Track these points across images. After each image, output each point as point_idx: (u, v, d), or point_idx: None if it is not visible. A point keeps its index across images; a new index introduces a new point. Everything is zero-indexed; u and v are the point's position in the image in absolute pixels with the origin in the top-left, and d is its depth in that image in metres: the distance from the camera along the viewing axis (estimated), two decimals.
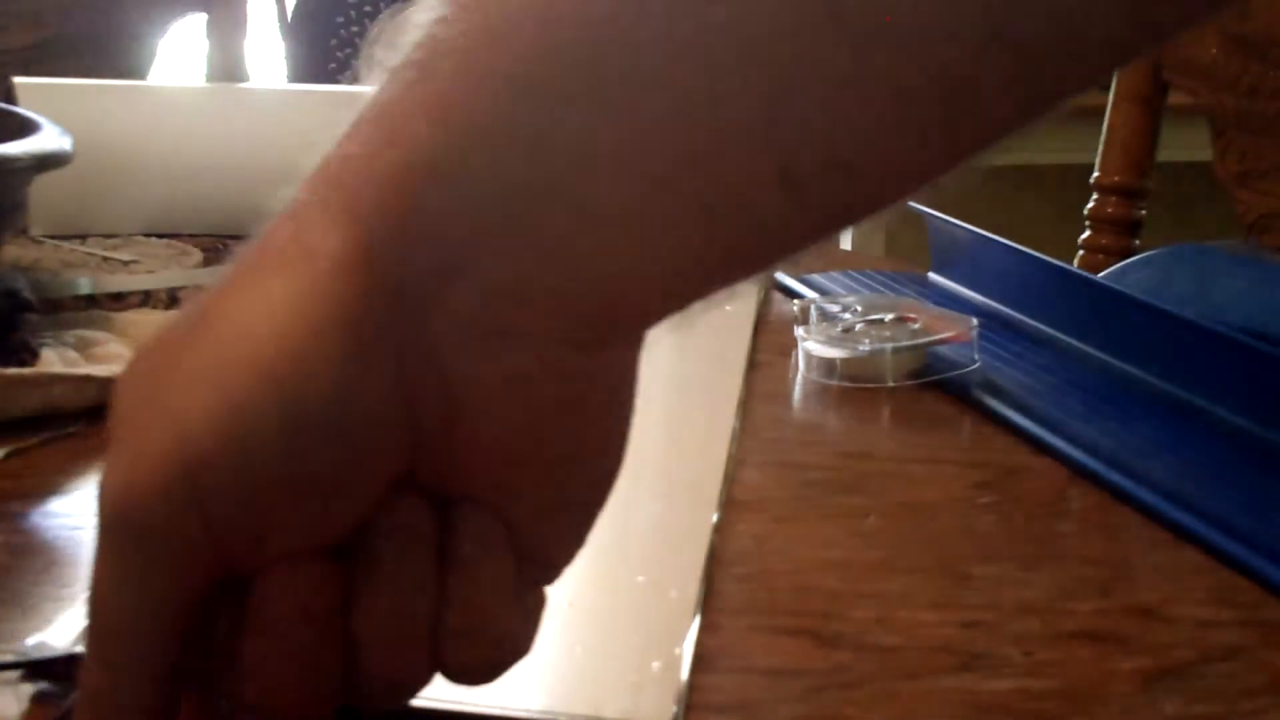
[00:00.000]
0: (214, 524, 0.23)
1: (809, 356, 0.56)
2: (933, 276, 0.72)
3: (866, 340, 0.55)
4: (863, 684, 0.31)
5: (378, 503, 0.24)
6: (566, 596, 0.34)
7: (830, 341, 0.55)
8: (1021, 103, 0.24)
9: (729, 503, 0.41)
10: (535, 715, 0.28)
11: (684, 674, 0.30)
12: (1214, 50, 0.84)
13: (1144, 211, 0.94)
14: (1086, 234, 0.96)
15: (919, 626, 0.34)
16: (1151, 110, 0.91)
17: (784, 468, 0.45)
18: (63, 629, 0.30)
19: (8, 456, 0.44)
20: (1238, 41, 0.83)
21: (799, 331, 0.57)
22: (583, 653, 0.31)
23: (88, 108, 0.77)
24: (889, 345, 0.54)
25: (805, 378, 0.56)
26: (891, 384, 0.54)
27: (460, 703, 0.28)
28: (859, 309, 0.58)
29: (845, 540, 0.39)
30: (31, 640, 0.30)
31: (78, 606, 0.32)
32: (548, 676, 0.30)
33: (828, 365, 0.55)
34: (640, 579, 0.34)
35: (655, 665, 0.30)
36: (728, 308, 0.64)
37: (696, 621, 0.33)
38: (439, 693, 0.29)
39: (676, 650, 0.31)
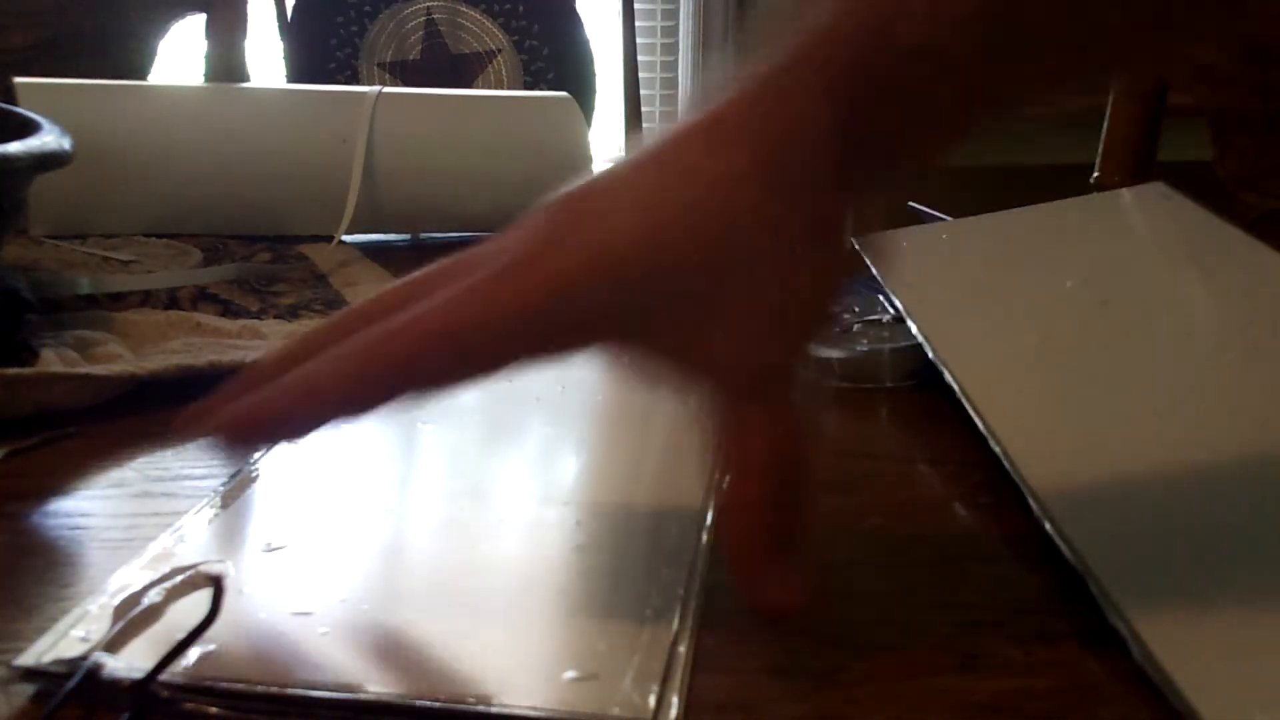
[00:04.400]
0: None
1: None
2: None
3: (864, 340, 0.55)
4: (863, 684, 0.31)
5: None
6: (563, 593, 0.34)
7: (828, 341, 0.55)
8: None
9: None
10: (537, 713, 0.28)
11: (684, 672, 0.30)
12: (1215, 50, 0.84)
13: None
14: None
15: (919, 626, 0.34)
16: (1151, 110, 0.91)
17: None
18: (65, 633, 0.30)
19: (8, 456, 0.44)
20: (1238, 42, 0.83)
21: None
22: (582, 649, 0.31)
23: (88, 108, 0.77)
24: (887, 345, 0.54)
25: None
26: (890, 384, 0.54)
27: (461, 700, 0.28)
28: (858, 309, 0.58)
29: (845, 540, 0.39)
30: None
31: (80, 609, 0.32)
32: (547, 673, 0.30)
33: (826, 365, 0.55)
34: (637, 575, 0.34)
35: (655, 662, 0.30)
36: None
37: (696, 621, 0.33)
38: (439, 689, 0.29)
39: (678, 648, 0.31)
